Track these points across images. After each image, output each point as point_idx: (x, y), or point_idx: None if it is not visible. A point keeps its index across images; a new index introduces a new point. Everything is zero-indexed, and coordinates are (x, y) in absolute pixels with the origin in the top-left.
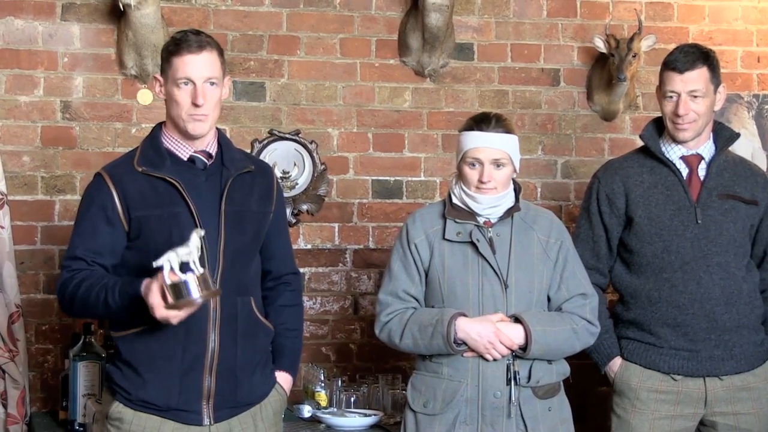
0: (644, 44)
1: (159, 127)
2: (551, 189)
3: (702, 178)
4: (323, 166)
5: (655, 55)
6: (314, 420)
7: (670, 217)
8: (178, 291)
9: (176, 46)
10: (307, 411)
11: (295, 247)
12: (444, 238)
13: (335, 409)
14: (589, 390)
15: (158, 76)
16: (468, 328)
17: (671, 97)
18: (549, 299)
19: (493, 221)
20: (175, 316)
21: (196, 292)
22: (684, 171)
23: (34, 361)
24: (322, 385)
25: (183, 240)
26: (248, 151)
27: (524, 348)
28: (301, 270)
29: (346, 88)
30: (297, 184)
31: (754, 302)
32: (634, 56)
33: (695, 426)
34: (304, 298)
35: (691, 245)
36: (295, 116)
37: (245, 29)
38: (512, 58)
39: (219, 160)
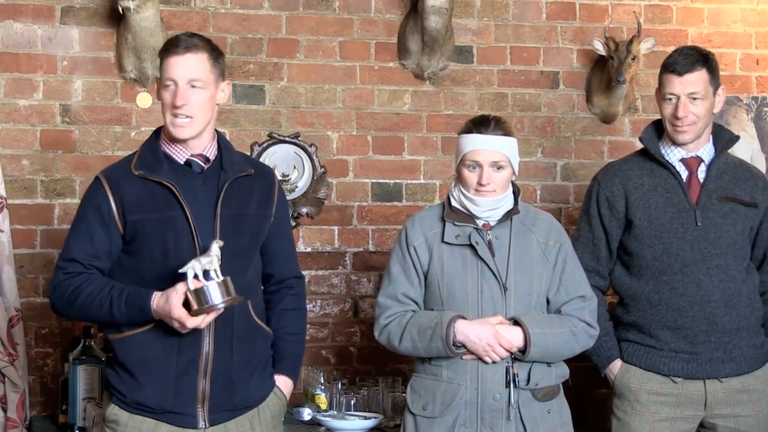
0: (643, 47)
1: (159, 131)
2: (551, 191)
3: (702, 180)
4: (323, 169)
5: (655, 58)
6: (314, 423)
7: (670, 219)
8: (202, 297)
9: (165, 47)
10: (307, 414)
11: None
12: (443, 241)
13: (335, 412)
14: (588, 392)
15: (156, 77)
16: (467, 330)
17: (671, 99)
18: (548, 301)
19: (492, 224)
20: (203, 321)
21: (218, 298)
22: (684, 173)
23: (33, 364)
24: (322, 388)
25: (178, 245)
26: (247, 154)
27: (523, 350)
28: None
29: (346, 91)
30: (296, 187)
31: (753, 304)
32: (633, 59)
33: (695, 428)
34: None
35: (691, 248)
36: (294, 119)
37: (245, 32)
38: (511, 61)
39: (218, 163)
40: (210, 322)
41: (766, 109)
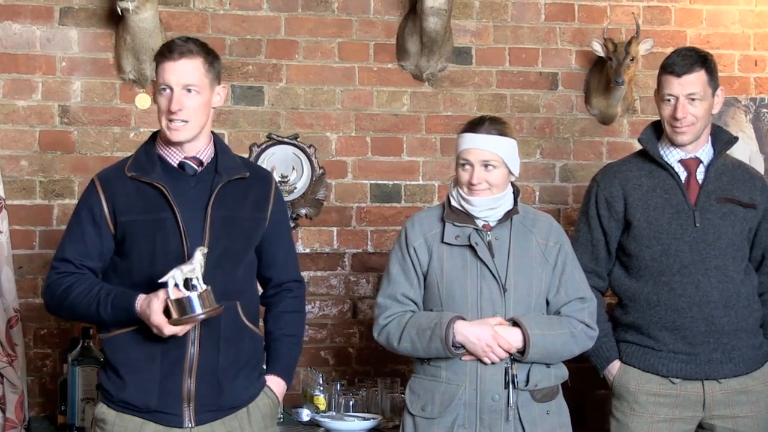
0: (642, 48)
1: (155, 134)
2: (549, 192)
3: (700, 181)
4: (322, 170)
5: (653, 59)
6: (313, 424)
7: (669, 220)
8: (182, 307)
9: (161, 52)
10: (305, 415)
11: None
12: (443, 242)
13: (334, 413)
14: (587, 393)
15: (152, 80)
16: (466, 331)
17: (669, 100)
18: (548, 303)
19: (491, 224)
20: (181, 329)
21: (199, 309)
22: (682, 174)
23: (32, 365)
24: (321, 388)
25: (166, 246)
26: (246, 155)
27: (522, 351)
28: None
29: (345, 92)
30: (295, 188)
31: (752, 305)
32: (631, 60)
33: (693, 429)
34: None
35: (690, 249)
36: (293, 120)
37: (243, 33)
38: (510, 62)
39: (213, 166)
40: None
41: (764, 110)
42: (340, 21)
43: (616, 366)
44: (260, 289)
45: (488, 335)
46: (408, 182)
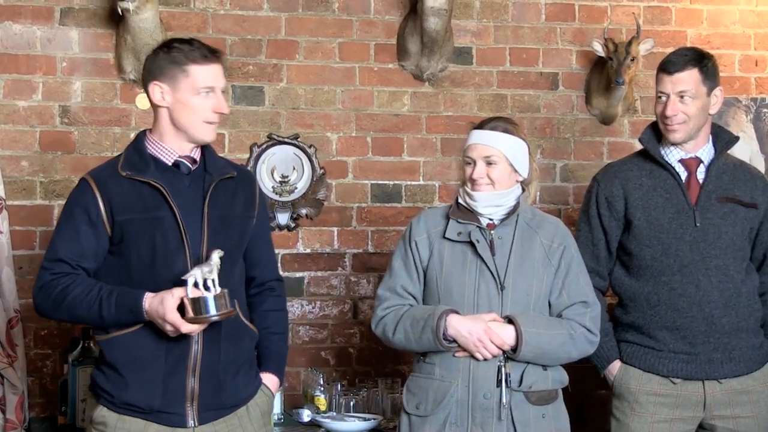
0: (642, 48)
1: (143, 134)
2: (550, 193)
3: (701, 181)
4: (322, 171)
5: (654, 59)
6: (313, 424)
7: (669, 220)
8: (198, 307)
9: (194, 54)
10: (306, 415)
11: (294, 251)
12: (444, 237)
13: (334, 413)
14: (588, 393)
15: (161, 83)
16: (459, 325)
17: (661, 97)
18: (550, 305)
19: (496, 223)
20: (196, 329)
21: (213, 310)
22: (683, 174)
23: (32, 366)
24: (322, 389)
25: (166, 245)
26: (247, 155)
27: (515, 349)
28: (300, 274)
29: (345, 93)
30: (296, 188)
31: (753, 305)
32: (632, 60)
33: (694, 429)
34: (303, 302)
35: (690, 248)
36: (294, 120)
37: (244, 33)
38: (511, 62)
39: (202, 165)
40: None
41: (765, 110)
42: (341, 21)
43: (616, 366)
44: None
45: (480, 330)
46: (408, 182)
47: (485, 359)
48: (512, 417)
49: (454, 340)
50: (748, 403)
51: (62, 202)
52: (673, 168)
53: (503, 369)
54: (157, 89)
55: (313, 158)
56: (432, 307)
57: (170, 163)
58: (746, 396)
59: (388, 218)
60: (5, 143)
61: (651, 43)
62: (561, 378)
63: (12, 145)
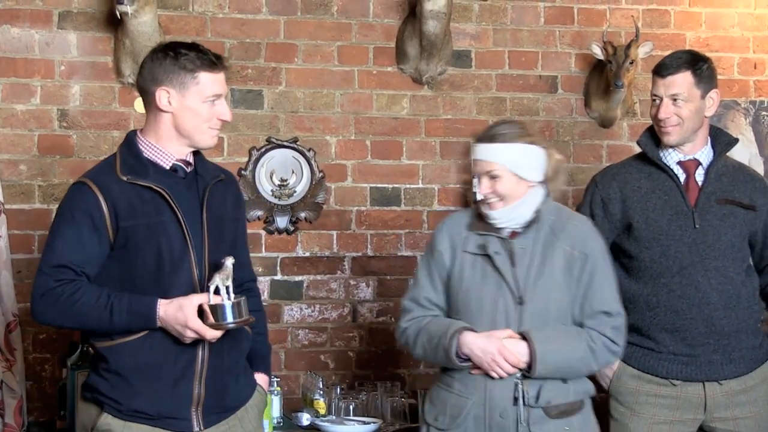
0: (641, 51)
1: (134, 135)
2: None
3: (700, 183)
4: (321, 174)
5: (653, 62)
6: (313, 428)
7: (668, 222)
8: (217, 314)
9: (203, 61)
10: (305, 419)
11: (293, 254)
12: (465, 250)
13: (334, 417)
14: None
15: (168, 88)
16: (472, 344)
17: (655, 100)
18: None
19: (519, 231)
20: (218, 336)
21: (233, 317)
22: (681, 176)
23: (31, 370)
24: (321, 392)
25: (171, 250)
26: (246, 159)
27: (531, 366)
28: (300, 278)
29: (344, 96)
30: (295, 191)
31: (752, 306)
32: (631, 63)
33: (694, 431)
34: (303, 306)
35: (689, 250)
36: (293, 124)
37: (243, 37)
38: (510, 65)
39: (194, 168)
40: None
41: (763, 113)
42: (340, 24)
43: (612, 367)
44: None
45: (494, 348)
46: (408, 186)
47: (501, 377)
48: None
49: (469, 358)
50: (747, 404)
51: None
52: (672, 170)
53: (520, 386)
54: (164, 94)
55: (312, 161)
56: (447, 324)
57: (168, 167)
58: (745, 396)
59: (387, 221)
60: (3, 147)
61: (650, 46)
62: (584, 389)
63: (10, 149)
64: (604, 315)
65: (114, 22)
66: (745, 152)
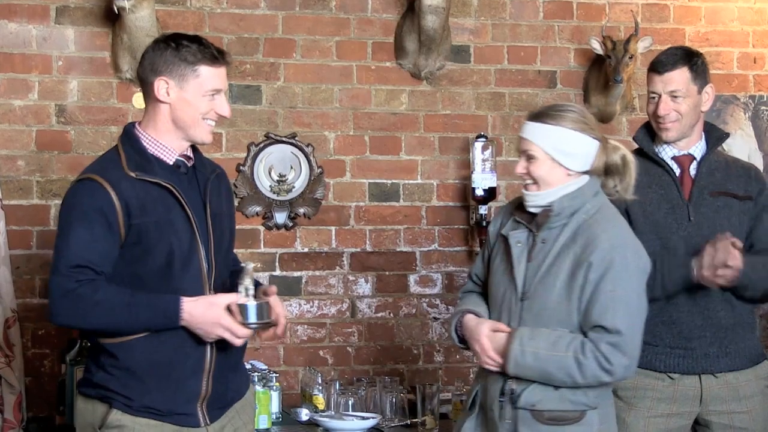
0: (641, 46)
1: (133, 129)
2: None
3: (693, 177)
4: (320, 170)
5: (652, 57)
6: (312, 423)
7: (665, 215)
8: (245, 314)
9: (205, 54)
10: (304, 414)
11: (291, 250)
12: (502, 233)
13: (333, 413)
14: None
15: (168, 79)
16: (465, 328)
17: (653, 97)
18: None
19: (547, 221)
20: (248, 333)
21: (255, 318)
22: (676, 171)
23: (30, 366)
24: (320, 388)
25: (181, 247)
26: (244, 155)
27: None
28: (298, 273)
29: (343, 91)
30: (293, 187)
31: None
32: (630, 58)
33: (690, 424)
34: (301, 302)
35: (685, 243)
36: (291, 119)
37: (241, 32)
38: (509, 60)
39: (193, 164)
40: None
41: (763, 107)
42: (338, 20)
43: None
44: None
45: (478, 337)
46: (406, 181)
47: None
48: None
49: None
50: (743, 398)
51: (59, 201)
52: (668, 164)
53: (507, 383)
54: (162, 84)
55: (311, 157)
56: (462, 305)
57: (171, 163)
58: (741, 391)
59: (386, 217)
60: (1, 143)
61: (649, 41)
62: (586, 401)
63: (8, 145)
64: (601, 329)
65: (111, 17)
66: (744, 147)
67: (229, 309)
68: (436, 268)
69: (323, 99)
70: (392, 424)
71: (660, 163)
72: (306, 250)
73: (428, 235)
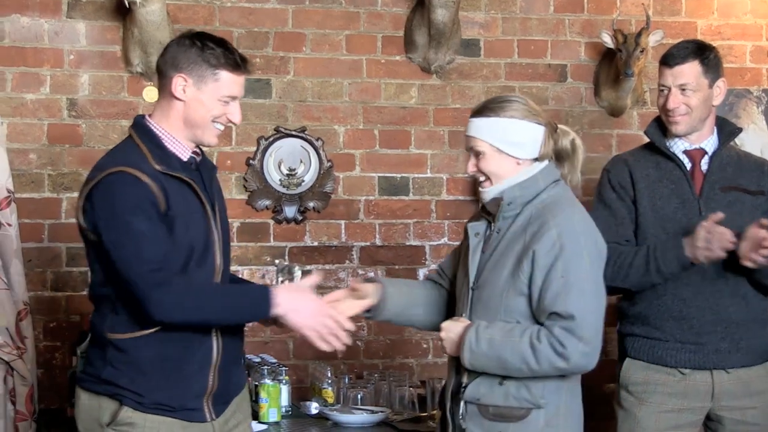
0: (652, 39)
1: (146, 122)
2: None
3: (704, 172)
4: (329, 163)
5: (663, 50)
6: (321, 417)
7: (674, 210)
8: None
9: (229, 60)
10: (314, 408)
11: (301, 244)
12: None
13: (342, 406)
14: (596, 387)
15: (186, 76)
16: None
17: (663, 91)
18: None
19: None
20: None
21: None
22: (687, 165)
23: (42, 358)
24: (329, 382)
25: (199, 241)
26: (254, 149)
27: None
28: (308, 267)
29: (352, 85)
30: (303, 181)
31: (760, 295)
32: (641, 51)
33: (701, 420)
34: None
35: None
36: (301, 113)
37: (251, 26)
38: (519, 54)
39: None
40: None
41: None
42: (348, 13)
43: None
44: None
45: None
46: (416, 175)
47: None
48: (467, 428)
49: None
50: (755, 394)
51: (70, 194)
52: (679, 159)
53: (461, 376)
54: (180, 81)
55: (321, 151)
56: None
57: (186, 159)
58: (754, 387)
59: (396, 211)
60: (13, 136)
61: (661, 35)
62: (531, 399)
63: (20, 138)
64: (555, 315)
65: (122, 11)
66: (757, 141)
67: None
68: None
69: (333, 93)
70: (401, 418)
71: (671, 158)
72: (316, 243)
73: (438, 229)
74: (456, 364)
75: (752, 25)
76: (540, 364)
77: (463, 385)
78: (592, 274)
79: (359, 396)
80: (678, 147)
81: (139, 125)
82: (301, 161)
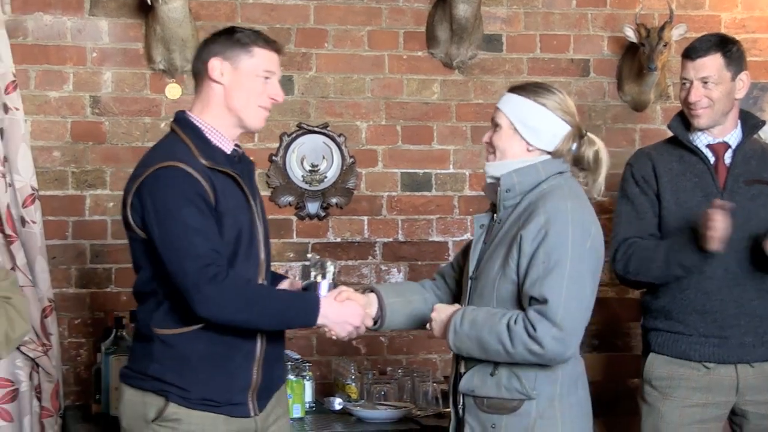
0: (675, 33)
1: (188, 117)
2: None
3: (728, 165)
4: (352, 159)
5: (686, 44)
6: (345, 412)
7: (698, 203)
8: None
9: (258, 38)
10: (337, 403)
11: (324, 240)
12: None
13: (366, 402)
14: (620, 382)
15: (222, 59)
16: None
17: (685, 84)
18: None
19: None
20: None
21: None
22: (711, 159)
23: (67, 354)
24: (353, 377)
25: (245, 235)
26: (276, 145)
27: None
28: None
29: (375, 81)
30: (326, 177)
31: None
32: (665, 45)
33: (726, 414)
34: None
35: None
36: (323, 109)
37: (273, 22)
38: (541, 49)
39: (242, 152)
40: None
41: None
42: (370, 9)
43: None
44: None
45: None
46: (439, 171)
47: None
48: (465, 420)
49: None
50: None
51: (93, 192)
52: (702, 152)
53: (460, 364)
54: (216, 64)
55: (343, 147)
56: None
57: (229, 152)
58: None
59: (418, 207)
60: (37, 134)
61: (684, 28)
62: (520, 388)
63: (44, 136)
64: (533, 300)
65: (145, 9)
66: None
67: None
68: None
69: (355, 89)
70: (425, 414)
71: (694, 151)
72: (338, 239)
73: (460, 224)
74: (455, 354)
75: None
76: (515, 347)
77: (459, 376)
78: (577, 262)
79: (383, 392)
80: (701, 141)
81: (182, 120)
82: (324, 157)
